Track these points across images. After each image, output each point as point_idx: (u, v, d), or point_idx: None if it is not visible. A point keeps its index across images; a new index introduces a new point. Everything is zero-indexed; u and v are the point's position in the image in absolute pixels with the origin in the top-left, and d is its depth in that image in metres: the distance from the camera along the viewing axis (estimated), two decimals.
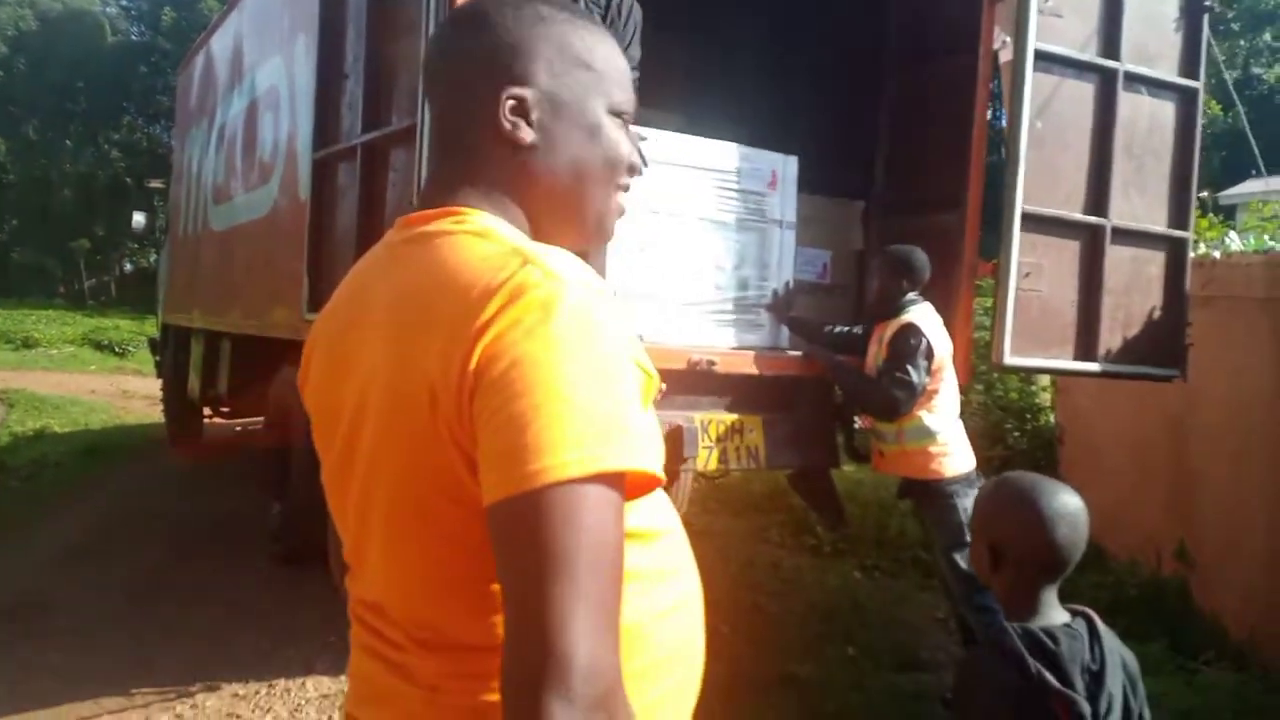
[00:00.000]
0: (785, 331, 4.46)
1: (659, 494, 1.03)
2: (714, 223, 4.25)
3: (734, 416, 3.96)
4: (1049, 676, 1.51)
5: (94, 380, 13.71)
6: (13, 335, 16.27)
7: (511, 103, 0.98)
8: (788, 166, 4.46)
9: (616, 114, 1.03)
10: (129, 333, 17.59)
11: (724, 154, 4.29)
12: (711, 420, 3.90)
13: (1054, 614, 1.64)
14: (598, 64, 1.02)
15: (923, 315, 3.79)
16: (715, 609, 4.23)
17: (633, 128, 1.07)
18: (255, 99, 5.72)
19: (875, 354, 3.86)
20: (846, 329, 4.27)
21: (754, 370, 3.98)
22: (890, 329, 3.78)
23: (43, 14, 28.72)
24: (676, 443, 3.70)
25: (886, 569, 5.68)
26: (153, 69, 28.57)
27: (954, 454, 3.77)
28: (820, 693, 3.86)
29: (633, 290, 3.98)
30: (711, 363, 3.82)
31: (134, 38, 30.53)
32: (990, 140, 4.65)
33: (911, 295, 3.86)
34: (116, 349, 17.14)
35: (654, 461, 0.86)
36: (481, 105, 0.99)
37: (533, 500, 0.79)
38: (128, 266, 28.71)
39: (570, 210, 1.03)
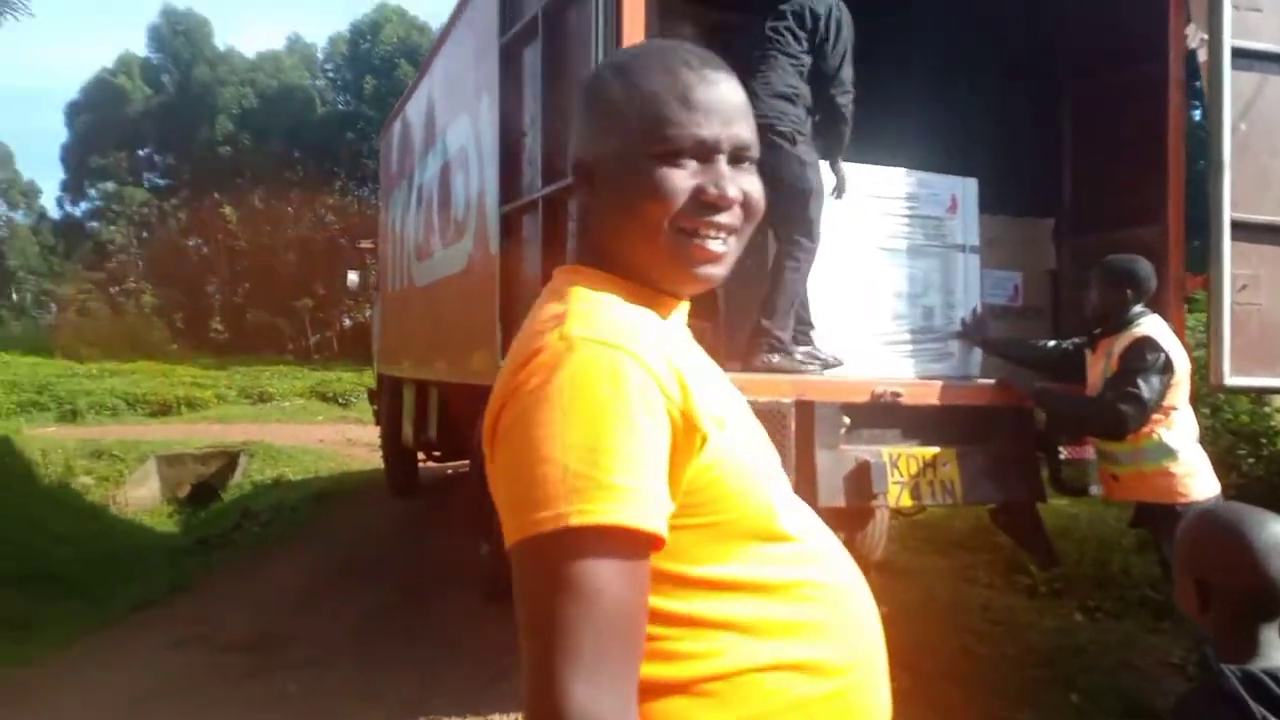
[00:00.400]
0: (977, 359, 4.33)
1: (801, 545, 1.03)
2: (892, 251, 4.21)
3: (926, 450, 3.84)
4: None
5: (321, 430, 14.81)
6: (250, 390, 17.79)
7: (577, 168, 1.08)
8: (967, 189, 4.37)
9: (675, 155, 1.01)
10: (350, 384, 18.85)
11: (900, 181, 4.25)
12: (901, 454, 3.80)
13: (1276, 655, 1.51)
14: (643, 111, 1.02)
15: (1158, 328, 3.56)
16: (919, 651, 4.11)
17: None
18: (448, 160, 6.08)
19: (1103, 369, 3.64)
20: (1053, 344, 4.10)
21: (944, 401, 3.87)
22: (1121, 342, 3.56)
23: (261, 91, 31.61)
24: (864, 479, 3.64)
25: (1110, 610, 5.30)
26: (358, 135, 30.75)
27: (1198, 475, 3.49)
28: None
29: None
30: (897, 394, 3.75)
31: (340, 107, 33.04)
32: (1195, 144, 4.36)
33: (1139, 308, 3.63)
34: (340, 400, 18.34)
35: (636, 517, 0.86)
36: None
37: (519, 552, 0.88)
38: (346, 322, 30.94)
39: (644, 254, 1.04)
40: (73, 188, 33.74)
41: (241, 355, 25.60)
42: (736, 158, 1.04)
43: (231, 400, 16.68)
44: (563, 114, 3.95)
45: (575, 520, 0.85)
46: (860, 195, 4.14)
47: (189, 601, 6.25)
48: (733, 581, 0.98)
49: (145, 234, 32.66)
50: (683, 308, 1.12)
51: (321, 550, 7.20)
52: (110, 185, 32.79)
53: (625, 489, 0.87)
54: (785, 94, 3.81)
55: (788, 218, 3.75)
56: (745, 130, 1.05)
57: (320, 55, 34.98)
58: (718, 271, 1.05)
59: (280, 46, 35.32)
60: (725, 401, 1.03)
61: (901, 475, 3.78)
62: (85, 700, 4.45)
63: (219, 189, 31.36)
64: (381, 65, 31.17)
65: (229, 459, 11.12)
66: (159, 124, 31.90)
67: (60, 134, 35.43)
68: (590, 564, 0.85)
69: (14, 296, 32.48)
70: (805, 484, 3.55)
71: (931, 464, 3.84)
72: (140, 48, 35.73)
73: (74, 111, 32.65)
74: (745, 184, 1.04)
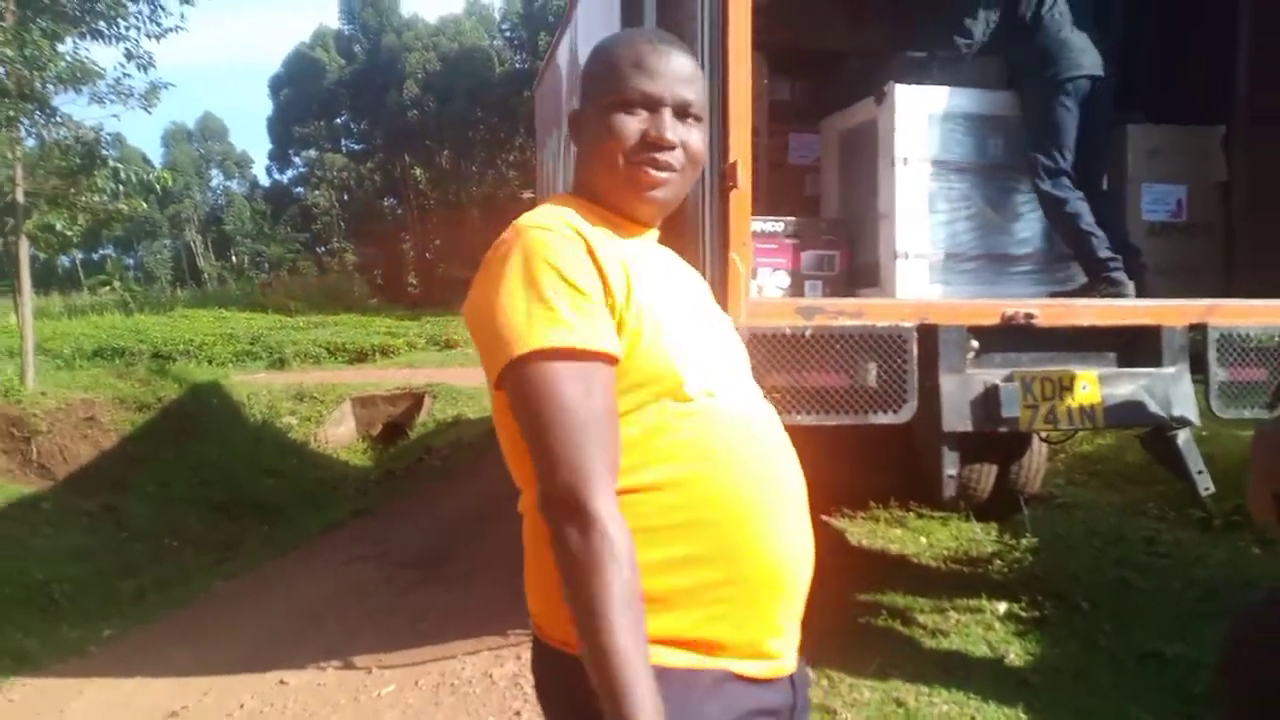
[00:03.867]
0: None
1: (695, 404, 1.21)
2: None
3: (1064, 372, 3.68)
4: None
5: None
6: (438, 338, 18.78)
7: (570, 121, 1.38)
8: None
9: (627, 105, 1.28)
10: None
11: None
12: (1035, 377, 3.66)
13: None
14: (607, 73, 1.30)
15: None
16: (1070, 582, 4.04)
17: None
18: None
19: None
20: None
21: (1085, 321, 3.70)
22: None
23: (443, 55, 32.76)
24: (992, 403, 3.54)
25: None
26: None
27: None
28: (1189, 673, 3.52)
29: (936, 248, 4.01)
30: (1030, 315, 3.59)
31: (517, 65, 33.82)
32: None
33: None
34: None
35: (580, 339, 1.12)
36: None
37: (508, 380, 1.15)
38: None
39: (605, 183, 1.31)
40: (279, 156, 36.17)
41: (434, 308, 26.90)
42: (681, 113, 1.29)
43: (421, 348, 17.68)
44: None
45: (537, 344, 1.12)
46: (982, 116, 4.06)
47: (370, 525, 6.80)
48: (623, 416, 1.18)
49: (345, 197, 34.74)
50: (650, 234, 1.38)
51: (490, 480, 7.62)
52: (312, 153, 34.97)
53: (570, 321, 1.13)
54: None
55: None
56: (688, 92, 1.30)
57: (497, 15, 35.85)
58: (659, 195, 1.30)
59: (460, 10, 36.42)
60: (658, 290, 1.25)
61: (1035, 399, 3.65)
62: (272, 605, 5.00)
63: (409, 151, 32.89)
64: (555, 21, 31.61)
65: (415, 400, 11.82)
66: (353, 92, 33.62)
67: (266, 107, 38.04)
68: (555, 378, 1.12)
69: (233, 259, 35.41)
70: (929, 409, 3.50)
71: (1070, 387, 3.67)
72: (334, 20, 37.71)
73: (277, 85, 34.87)
74: (685, 134, 1.30)
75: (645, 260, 1.30)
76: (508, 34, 35.33)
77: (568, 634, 1.16)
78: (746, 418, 1.28)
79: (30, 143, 10.15)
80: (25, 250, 9.56)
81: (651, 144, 1.27)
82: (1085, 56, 4.00)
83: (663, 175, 1.29)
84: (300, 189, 36.11)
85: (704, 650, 1.18)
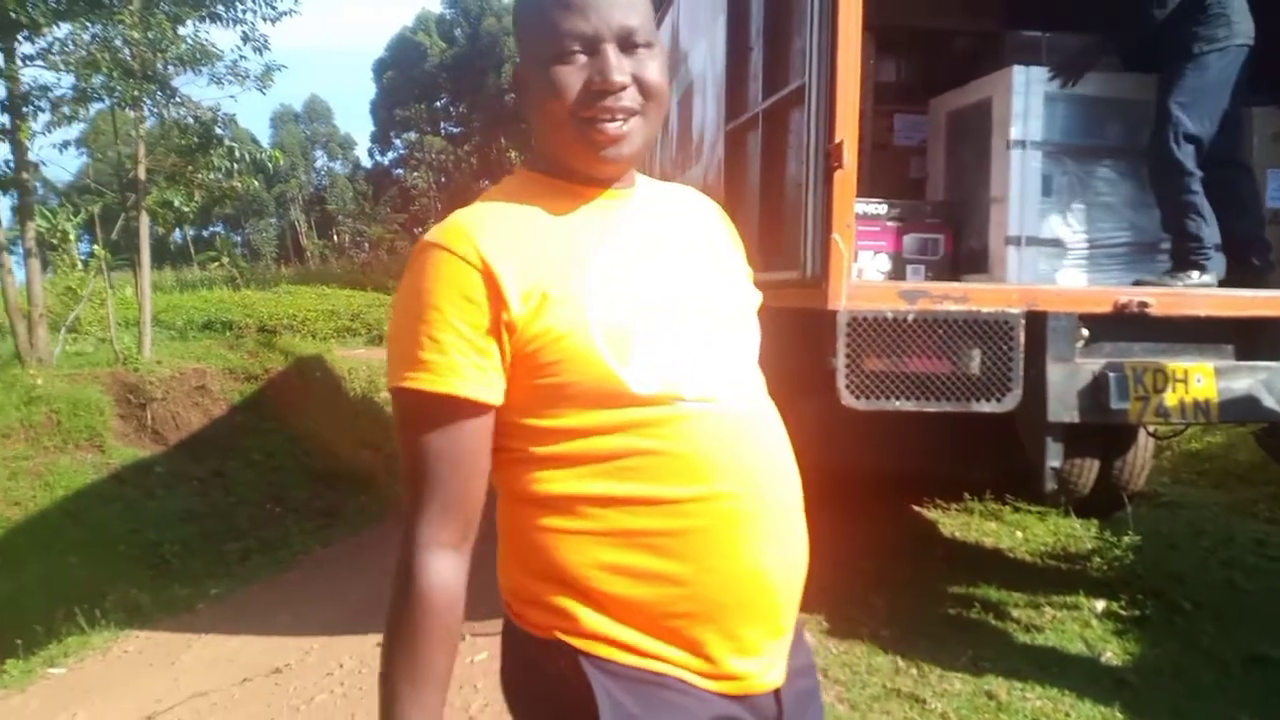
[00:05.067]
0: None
1: (652, 410, 1.09)
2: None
3: (1177, 364, 3.54)
4: None
5: None
6: None
7: (514, 83, 1.23)
8: None
9: (563, 54, 1.10)
10: None
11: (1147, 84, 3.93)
12: (1147, 369, 3.53)
13: None
14: (535, 21, 1.13)
15: None
16: (1170, 580, 3.92)
17: None
18: (690, 85, 6.18)
19: None
20: None
21: (1202, 311, 3.55)
22: None
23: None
24: (1100, 394, 3.43)
25: None
26: None
27: None
28: None
29: (1049, 234, 3.89)
30: (1144, 304, 3.46)
31: None
32: None
33: None
34: None
35: (434, 384, 1.05)
36: None
37: (391, 396, 1.12)
38: None
39: (557, 147, 1.16)
40: (381, 139, 37.04)
41: None
42: (626, 45, 1.11)
43: None
44: (785, 23, 3.91)
45: (395, 384, 1.08)
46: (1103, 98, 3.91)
47: None
48: (566, 429, 1.09)
49: (443, 179, 35.38)
50: (619, 194, 1.20)
51: None
52: (412, 135, 35.68)
53: (433, 363, 1.06)
54: None
55: None
56: (629, 18, 1.11)
57: None
58: (621, 151, 1.13)
59: None
60: (607, 279, 1.11)
61: (1146, 390, 3.52)
62: (370, 572, 5.16)
63: (504, 134, 33.31)
64: (655, 1, 31.54)
65: None
66: (452, 76, 34.19)
67: (370, 90, 38.90)
68: (413, 417, 1.09)
69: (334, 238, 36.32)
70: (1034, 398, 3.41)
71: (1184, 379, 3.53)
72: (436, 4, 38.32)
73: (380, 68, 35.68)
74: (636, 68, 1.12)
75: (595, 240, 1.15)
76: None
77: (538, 618, 1.14)
78: (724, 418, 1.13)
79: (151, 122, 10.62)
80: (145, 225, 10.01)
81: (598, 92, 1.10)
82: (1245, 23, 3.76)
83: (620, 128, 1.12)
84: (400, 170, 36.90)
85: (653, 658, 1.11)
